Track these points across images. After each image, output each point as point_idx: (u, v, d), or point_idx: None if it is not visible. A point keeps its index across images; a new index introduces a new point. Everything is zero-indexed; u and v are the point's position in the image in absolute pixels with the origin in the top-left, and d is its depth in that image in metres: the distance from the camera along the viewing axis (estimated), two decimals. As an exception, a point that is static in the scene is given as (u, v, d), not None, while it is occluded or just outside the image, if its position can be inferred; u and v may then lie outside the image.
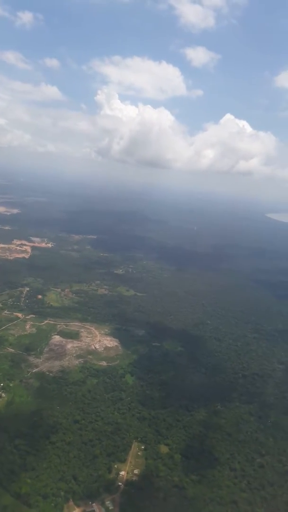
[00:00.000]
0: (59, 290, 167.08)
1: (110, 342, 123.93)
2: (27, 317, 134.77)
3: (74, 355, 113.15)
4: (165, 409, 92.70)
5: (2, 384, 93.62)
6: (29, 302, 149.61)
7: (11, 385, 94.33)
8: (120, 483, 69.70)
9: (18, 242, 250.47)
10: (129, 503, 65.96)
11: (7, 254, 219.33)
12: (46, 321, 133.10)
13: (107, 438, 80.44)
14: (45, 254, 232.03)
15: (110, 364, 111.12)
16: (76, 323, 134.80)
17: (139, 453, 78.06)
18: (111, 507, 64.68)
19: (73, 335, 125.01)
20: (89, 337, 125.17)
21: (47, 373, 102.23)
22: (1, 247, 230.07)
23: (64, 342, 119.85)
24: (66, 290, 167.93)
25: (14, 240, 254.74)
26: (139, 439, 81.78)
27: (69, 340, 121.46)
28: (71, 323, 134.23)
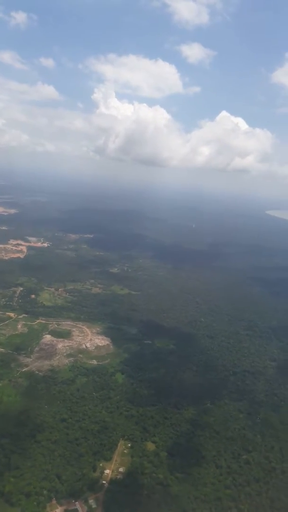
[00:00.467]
0: (52, 289, 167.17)
1: (101, 341, 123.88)
2: (19, 316, 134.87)
3: (65, 354, 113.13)
4: (153, 406, 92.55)
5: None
6: (22, 302, 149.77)
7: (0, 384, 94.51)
8: (104, 482, 69.61)
9: (14, 242, 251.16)
10: (113, 501, 65.83)
11: (3, 254, 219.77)
12: (38, 321, 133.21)
13: (94, 436, 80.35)
14: (41, 254, 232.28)
15: (101, 362, 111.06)
16: (68, 322, 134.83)
17: (125, 451, 77.98)
18: (94, 506, 64.60)
19: (65, 335, 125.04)
20: (80, 336, 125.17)
21: (37, 372, 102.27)
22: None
23: (55, 341, 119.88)
24: (59, 289, 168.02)
25: (11, 240, 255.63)
26: (125, 437, 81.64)
27: (60, 339, 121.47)
28: (63, 322, 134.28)
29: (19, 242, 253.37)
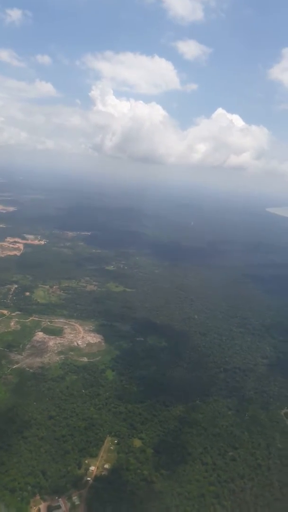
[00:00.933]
0: (47, 287, 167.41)
1: (93, 338, 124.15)
2: (12, 314, 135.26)
3: (56, 351, 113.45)
4: (142, 403, 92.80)
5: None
6: (16, 299, 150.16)
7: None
8: (89, 478, 69.99)
9: (11, 240, 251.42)
10: (96, 498, 66.25)
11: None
12: (31, 318, 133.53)
13: (81, 433, 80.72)
14: (37, 251, 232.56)
15: (91, 360, 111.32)
16: (61, 320, 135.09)
17: (111, 448, 78.36)
18: (77, 502, 65.00)
19: (57, 332, 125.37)
20: (72, 334, 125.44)
21: (27, 369, 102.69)
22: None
23: (47, 338, 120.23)
24: (54, 287, 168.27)
25: (8, 237, 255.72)
26: (112, 433, 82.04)
27: (52, 336, 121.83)
28: (56, 320, 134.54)
29: (16, 239, 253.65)
